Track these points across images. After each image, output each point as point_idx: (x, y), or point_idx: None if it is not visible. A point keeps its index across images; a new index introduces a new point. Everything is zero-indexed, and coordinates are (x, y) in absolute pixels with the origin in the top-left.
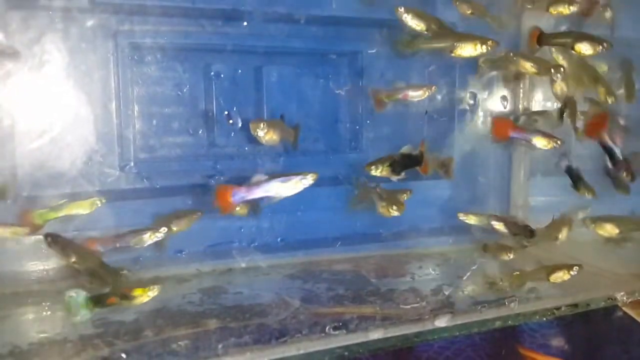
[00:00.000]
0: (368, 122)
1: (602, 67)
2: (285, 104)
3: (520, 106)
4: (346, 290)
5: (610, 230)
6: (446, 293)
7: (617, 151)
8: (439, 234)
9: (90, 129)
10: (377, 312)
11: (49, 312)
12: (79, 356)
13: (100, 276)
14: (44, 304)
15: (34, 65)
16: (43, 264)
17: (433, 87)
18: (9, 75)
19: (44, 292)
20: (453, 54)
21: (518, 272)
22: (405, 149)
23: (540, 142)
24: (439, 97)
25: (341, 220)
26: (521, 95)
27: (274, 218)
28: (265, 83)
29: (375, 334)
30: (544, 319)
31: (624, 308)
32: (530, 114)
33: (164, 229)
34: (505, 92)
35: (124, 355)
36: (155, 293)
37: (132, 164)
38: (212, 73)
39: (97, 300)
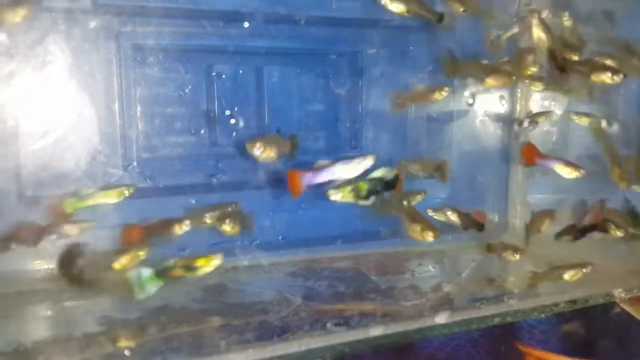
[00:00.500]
0: (368, 121)
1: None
2: (285, 103)
3: (518, 106)
4: (347, 288)
5: None
6: (445, 290)
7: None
8: None
9: (94, 129)
10: (377, 309)
11: (53, 311)
12: (83, 354)
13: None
14: (48, 302)
15: (37, 66)
16: (47, 263)
17: (447, 89)
18: (12, 76)
19: (49, 291)
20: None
21: (531, 274)
22: (379, 172)
23: (563, 171)
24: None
25: (341, 218)
26: (519, 95)
27: (275, 217)
28: (266, 83)
29: (376, 331)
30: (543, 315)
31: (621, 305)
32: (532, 116)
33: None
34: (503, 92)
35: (127, 353)
36: (219, 262)
37: (135, 163)
38: (214, 73)
39: (162, 274)
